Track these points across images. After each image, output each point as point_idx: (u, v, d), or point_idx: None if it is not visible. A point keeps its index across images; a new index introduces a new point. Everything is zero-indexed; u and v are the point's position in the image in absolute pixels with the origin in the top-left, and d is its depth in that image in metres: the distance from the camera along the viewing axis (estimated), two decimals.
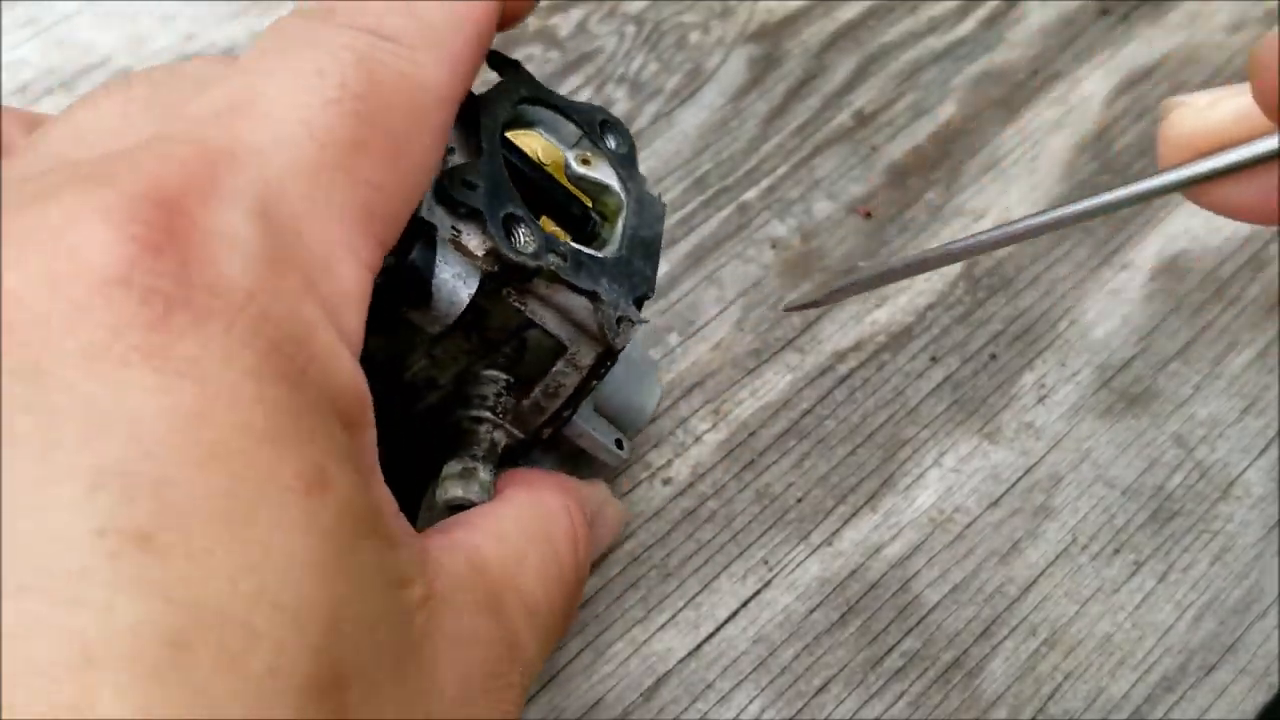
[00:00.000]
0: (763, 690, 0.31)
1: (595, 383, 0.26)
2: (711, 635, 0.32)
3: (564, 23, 0.43)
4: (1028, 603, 0.33)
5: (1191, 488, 0.35)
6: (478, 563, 0.21)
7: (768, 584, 0.33)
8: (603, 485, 0.30)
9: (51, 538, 0.14)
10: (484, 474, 0.25)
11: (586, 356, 0.26)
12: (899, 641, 0.32)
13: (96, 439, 0.14)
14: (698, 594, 0.33)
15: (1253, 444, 0.36)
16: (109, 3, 0.43)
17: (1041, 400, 0.37)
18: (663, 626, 0.32)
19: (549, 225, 0.27)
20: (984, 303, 0.38)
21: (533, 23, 0.44)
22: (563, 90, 0.42)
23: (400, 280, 0.22)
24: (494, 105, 0.25)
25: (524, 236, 0.24)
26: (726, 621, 0.32)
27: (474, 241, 0.23)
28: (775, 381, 0.36)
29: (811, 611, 0.32)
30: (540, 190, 0.26)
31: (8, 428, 0.14)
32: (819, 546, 0.34)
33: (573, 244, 0.25)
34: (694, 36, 0.44)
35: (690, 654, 0.32)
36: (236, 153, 0.17)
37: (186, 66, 0.22)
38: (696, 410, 0.35)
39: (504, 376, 0.26)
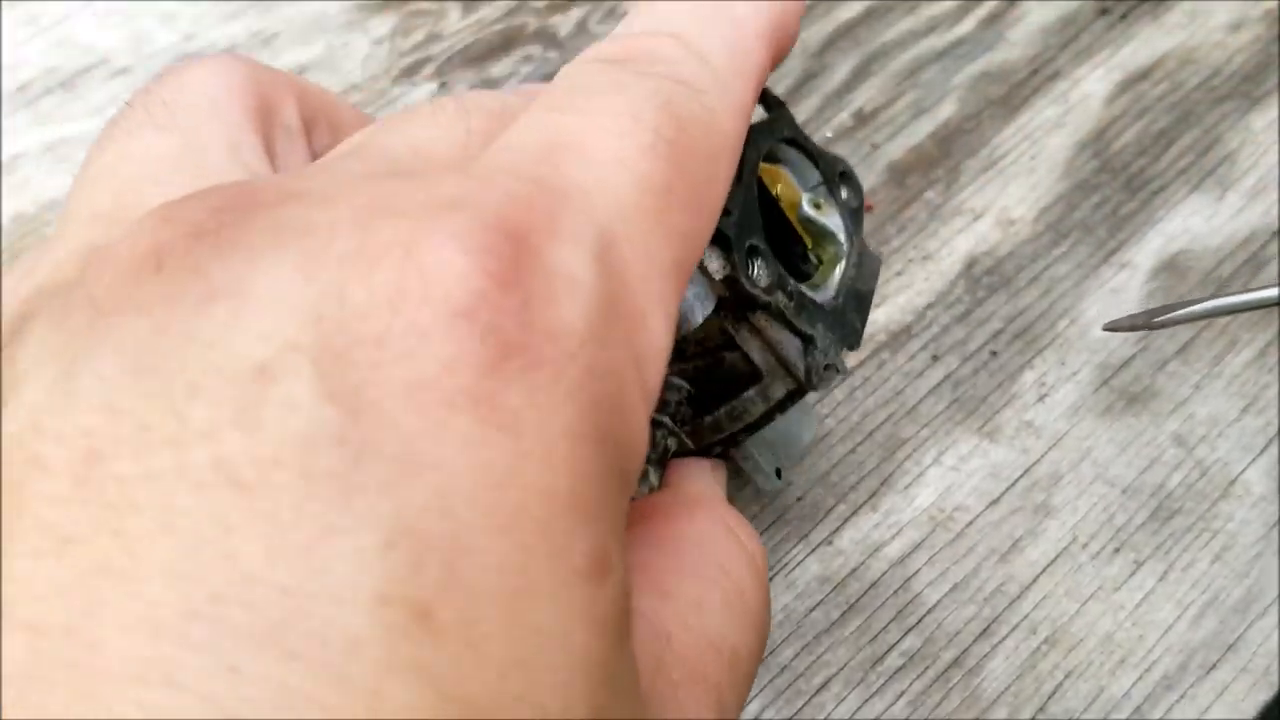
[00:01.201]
0: (762, 689, 0.31)
1: (778, 415, 0.27)
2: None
3: (564, 23, 0.44)
4: (1028, 601, 0.33)
5: (1192, 487, 0.35)
6: (663, 633, 0.19)
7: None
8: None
9: (332, 597, 0.12)
10: (653, 476, 0.25)
11: (778, 390, 0.26)
12: (899, 640, 0.32)
13: (402, 487, 0.13)
14: None
15: (1253, 443, 0.36)
16: (109, 3, 0.43)
17: (1041, 399, 0.37)
18: None
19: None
20: (984, 301, 0.38)
21: (532, 23, 0.44)
22: None
23: None
24: (757, 139, 0.26)
25: (759, 269, 0.24)
26: None
27: (715, 265, 0.23)
28: None
29: (811, 610, 0.32)
30: (770, 223, 0.26)
31: (314, 457, 0.13)
32: (818, 545, 0.34)
33: (802, 287, 0.26)
34: None
35: None
36: (571, 193, 0.16)
37: (491, 95, 0.21)
38: None
39: (687, 387, 0.27)
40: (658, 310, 0.17)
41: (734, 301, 0.24)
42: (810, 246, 0.28)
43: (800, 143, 0.28)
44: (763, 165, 0.27)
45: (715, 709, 0.19)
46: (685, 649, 0.19)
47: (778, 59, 0.22)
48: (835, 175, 0.29)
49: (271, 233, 0.14)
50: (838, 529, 0.34)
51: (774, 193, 0.27)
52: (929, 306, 0.38)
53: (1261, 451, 0.36)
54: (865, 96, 0.43)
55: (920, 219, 0.40)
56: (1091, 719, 0.31)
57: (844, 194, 0.29)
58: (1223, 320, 0.38)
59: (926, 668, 0.32)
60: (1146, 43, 0.45)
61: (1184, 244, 0.40)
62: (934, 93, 0.43)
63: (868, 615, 0.32)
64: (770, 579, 0.33)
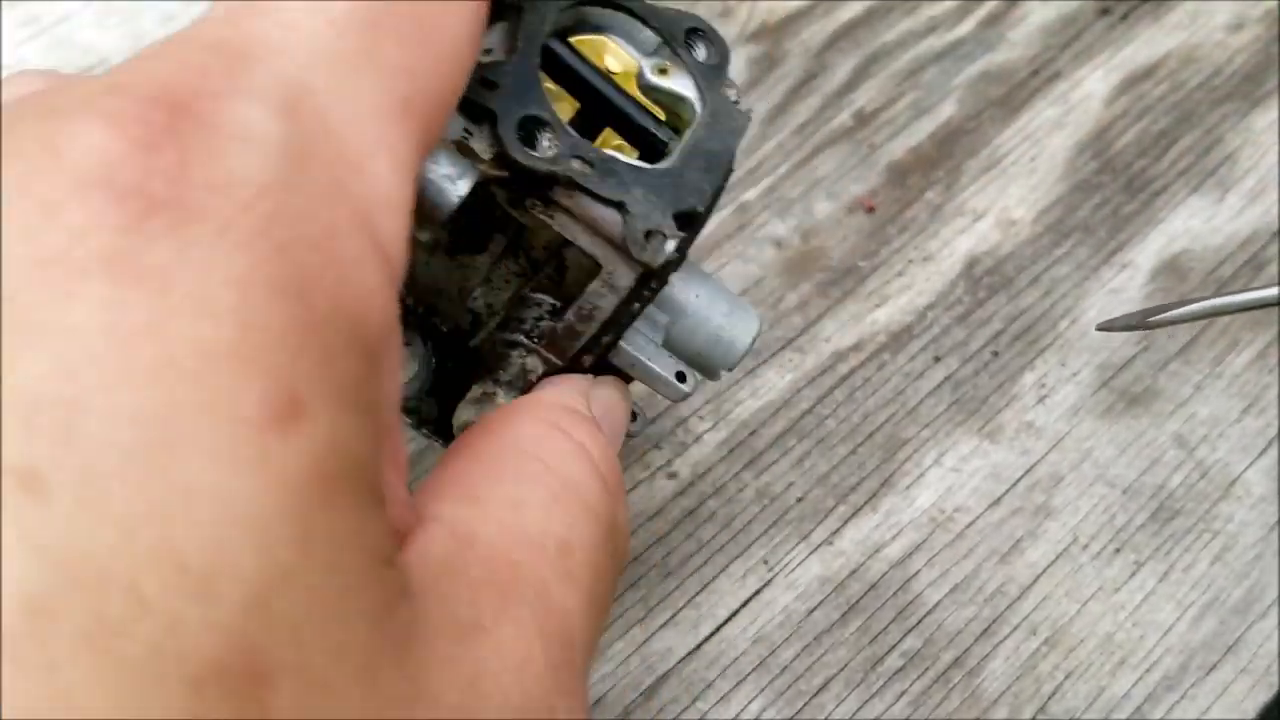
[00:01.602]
0: (763, 690, 0.31)
1: (638, 307, 0.24)
2: (712, 635, 0.32)
3: None
4: (1028, 602, 0.33)
5: (1192, 487, 0.35)
6: (465, 535, 0.18)
7: (768, 583, 0.33)
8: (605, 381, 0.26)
9: None
10: (502, 399, 0.24)
11: (624, 278, 0.23)
12: (899, 641, 0.32)
13: (21, 359, 0.12)
14: (698, 593, 0.32)
15: (1253, 444, 0.36)
16: (109, 3, 0.43)
17: (1042, 400, 0.37)
18: (663, 626, 0.32)
19: (612, 139, 0.25)
20: (984, 302, 0.38)
21: None
22: None
23: None
24: (543, 6, 0.24)
25: (546, 141, 0.22)
26: (727, 621, 0.32)
27: (481, 144, 0.22)
28: (775, 381, 0.36)
29: (812, 611, 0.32)
30: (601, 100, 0.25)
31: None
32: (819, 546, 0.34)
33: (609, 152, 0.23)
34: None
35: (690, 653, 0.32)
36: (252, 49, 0.15)
37: None
38: (697, 410, 0.35)
39: (550, 300, 0.25)
40: (381, 154, 0.16)
41: (518, 181, 0.22)
42: (663, 118, 0.26)
43: (623, 5, 0.25)
44: (587, 38, 0.25)
45: (532, 605, 0.18)
46: (490, 547, 0.18)
47: None
48: (682, 34, 0.26)
49: None
50: (838, 529, 0.34)
51: (603, 66, 0.25)
52: (929, 307, 0.38)
53: (1262, 452, 0.36)
54: (865, 97, 0.43)
55: (921, 219, 0.40)
56: (1092, 719, 0.31)
57: (701, 53, 0.26)
58: (1223, 321, 0.38)
59: (927, 668, 0.32)
60: (1147, 43, 0.45)
61: (1185, 244, 0.40)
62: (934, 93, 0.43)
63: (868, 616, 0.32)
64: (770, 579, 0.33)
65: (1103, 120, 0.43)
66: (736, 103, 0.26)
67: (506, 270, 0.25)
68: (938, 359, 0.37)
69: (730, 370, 0.28)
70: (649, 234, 0.23)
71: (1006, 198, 0.41)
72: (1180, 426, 0.36)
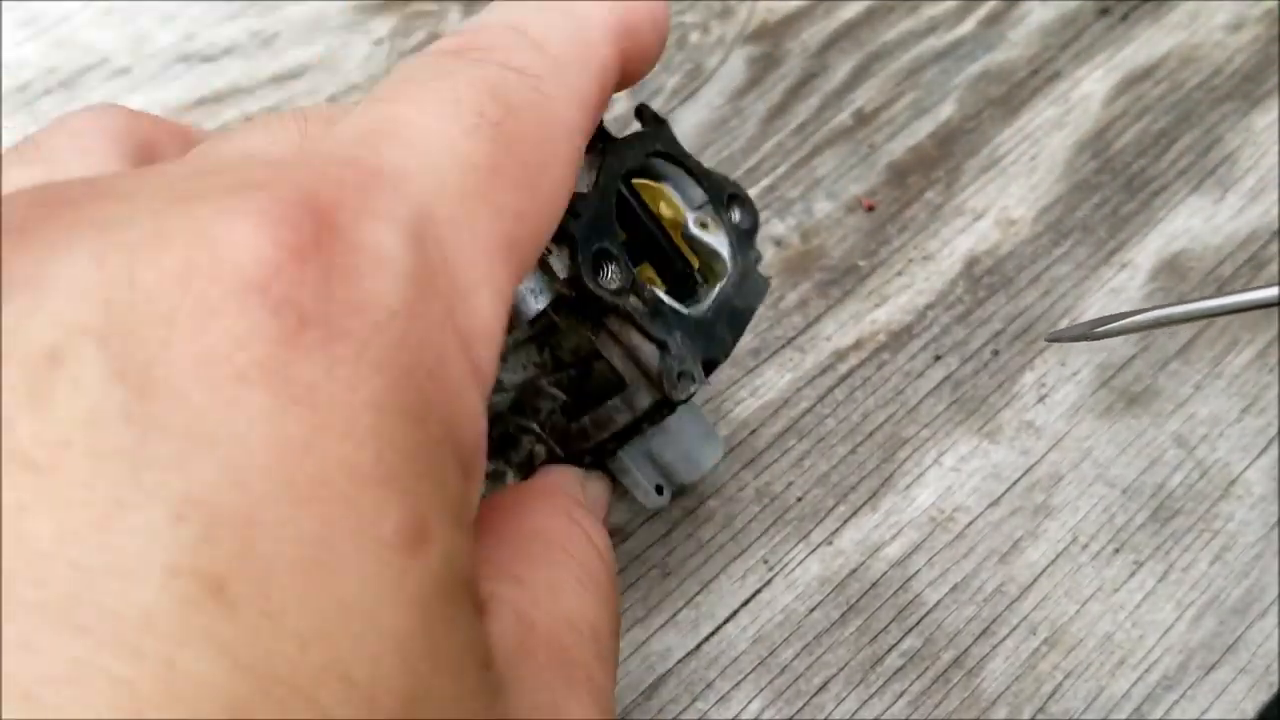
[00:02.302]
0: (762, 690, 0.31)
1: (647, 426, 0.27)
2: (711, 635, 0.32)
3: None
4: (1028, 602, 0.33)
5: (1192, 487, 0.35)
6: (526, 619, 0.19)
7: (767, 583, 0.33)
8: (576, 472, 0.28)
9: (122, 571, 0.12)
10: (511, 478, 0.26)
11: (643, 400, 0.26)
12: (899, 641, 0.32)
13: (192, 461, 0.13)
14: (697, 593, 0.32)
15: (1253, 443, 0.36)
16: (109, 3, 0.43)
17: (1042, 399, 0.37)
18: (662, 626, 0.32)
19: (648, 272, 0.28)
20: (984, 301, 0.38)
21: None
22: None
23: None
24: (623, 150, 0.26)
25: (611, 273, 0.24)
26: (726, 621, 0.32)
27: (559, 264, 0.24)
28: (775, 380, 0.36)
29: (811, 611, 0.32)
30: (650, 239, 0.27)
31: (102, 436, 0.13)
32: (819, 546, 0.34)
33: (659, 294, 0.26)
34: (694, 36, 0.44)
35: (690, 653, 0.32)
36: (387, 172, 0.16)
37: (338, 105, 0.21)
38: None
39: (562, 396, 0.27)
40: (484, 288, 0.17)
41: (582, 302, 0.25)
42: (697, 266, 0.28)
43: (683, 161, 0.28)
44: (648, 183, 0.28)
45: (586, 685, 0.19)
46: (547, 631, 0.19)
47: (633, 61, 0.22)
48: (725, 196, 0.29)
49: (71, 226, 0.14)
50: (838, 529, 0.34)
51: (656, 210, 0.28)
52: (929, 306, 0.38)
53: (1262, 452, 0.36)
54: (865, 96, 0.43)
55: (920, 219, 0.40)
56: (1091, 719, 0.31)
57: (735, 216, 0.29)
58: (1223, 320, 0.38)
59: (926, 668, 0.32)
60: (1147, 43, 0.45)
61: (1184, 244, 0.40)
62: (934, 93, 0.43)
63: (868, 615, 0.32)
64: (770, 579, 0.33)
65: (1102, 120, 0.43)
66: (758, 265, 0.29)
67: (526, 357, 0.27)
68: (938, 358, 0.37)
69: (686, 484, 0.31)
70: (681, 374, 0.26)
71: (1006, 197, 0.41)
72: (1180, 426, 0.36)
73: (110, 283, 0.14)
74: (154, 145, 0.22)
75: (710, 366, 0.27)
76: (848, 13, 0.45)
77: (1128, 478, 0.35)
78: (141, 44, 0.42)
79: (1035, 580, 0.33)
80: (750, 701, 0.31)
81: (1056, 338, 0.30)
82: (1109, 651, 0.32)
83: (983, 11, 0.45)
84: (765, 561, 0.33)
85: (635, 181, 0.28)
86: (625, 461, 0.29)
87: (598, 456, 0.28)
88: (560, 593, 0.21)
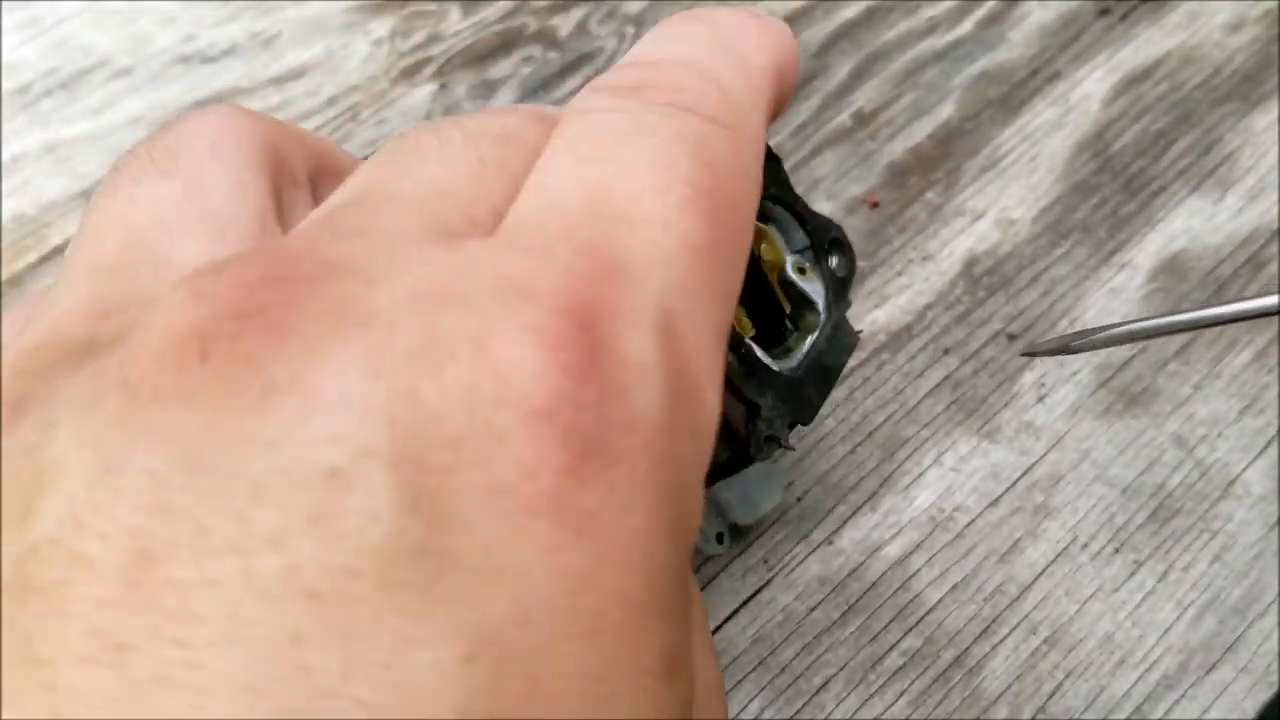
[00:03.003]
0: (762, 689, 0.31)
1: (719, 479, 0.26)
2: (711, 634, 0.32)
3: (564, 23, 0.44)
4: (1028, 601, 0.33)
5: (1191, 487, 0.35)
6: None
7: (767, 583, 0.33)
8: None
9: (412, 711, 0.12)
10: None
11: (721, 453, 0.25)
12: (899, 640, 0.32)
13: (481, 597, 0.12)
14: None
15: (1252, 443, 0.36)
16: (109, 3, 0.43)
17: (1041, 400, 0.37)
18: None
19: (739, 315, 0.26)
20: (984, 302, 0.38)
21: (532, 24, 0.44)
22: (562, 91, 0.42)
23: None
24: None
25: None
26: (726, 620, 0.32)
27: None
28: None
29: (811, 610, 0.32)
30: (750, 281, 0.26)
31: (394, 569, 0.12)
32: (819, 545, 0.34)
33: (755, 348, 0.25)
34: None
35: None
36: (629, 266, 0.15)
37: (488, 117, 0.19)
38: None
39: None
40: (711, 383, 0.16)
41: None
42: (788, 311, 0.27)
43: (790, 204, 0.27)
44: (755, 224, 0.27)
45: None
46: None
47: (780, 102, 0.21)
48: (825, 241, 0.28)
49: (327, 320, 0.13)
50: (838, 529, 0.34)
51: (757, 251, 0.27)
52: (929, 307, 0.38)
53: (1261, 452, 0.36)
54: (865, 97, 0.43)
55: (920, 219, 0.40)
56: (1091, 719, 0.31)
57: (833, 262, 0.28)
58: None
59: (927, 668, 0.32)
60: (1146, 43, 0.45)
61: (1184, 244, 0.40)
62: (934, 93, 0.43)
63: (868, 615, 0.32)
64: (770, 579, 0.33)
65: (1102, 120, 0.43)
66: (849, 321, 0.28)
67: None
68: (937, 359, 0.37)
69: (741, 526, 0.30)
70: (768, 439, 0.24)
71: (1006, 198, 0.41)
72: (1179, 426, 0.36)
73: (391, 400, 0.13)
74: (279, 151, 0.21)
75: (791, 428, 0.26)
76: (847, 13, 0.45)
77: (1127, 478, 0.35)
78: (141, 45, 0.42)
79: (1035, 580, 0.33)
80: (750, 701, 0.31)
81: (1032, 352, 0.29)
82: (1109, 651, 0.32)
83: (982, 12, 0.45)
84: (765, 561, 0.33)
85: None
86: None
87: None
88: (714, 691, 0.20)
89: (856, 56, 0.44)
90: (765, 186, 0.25)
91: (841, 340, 0.27)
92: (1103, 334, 0.28)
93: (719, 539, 0.28)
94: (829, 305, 0.27)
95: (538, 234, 0.15)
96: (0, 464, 0.14)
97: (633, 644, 0.13)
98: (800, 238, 0.27)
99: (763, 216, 0.27)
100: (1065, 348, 0.28)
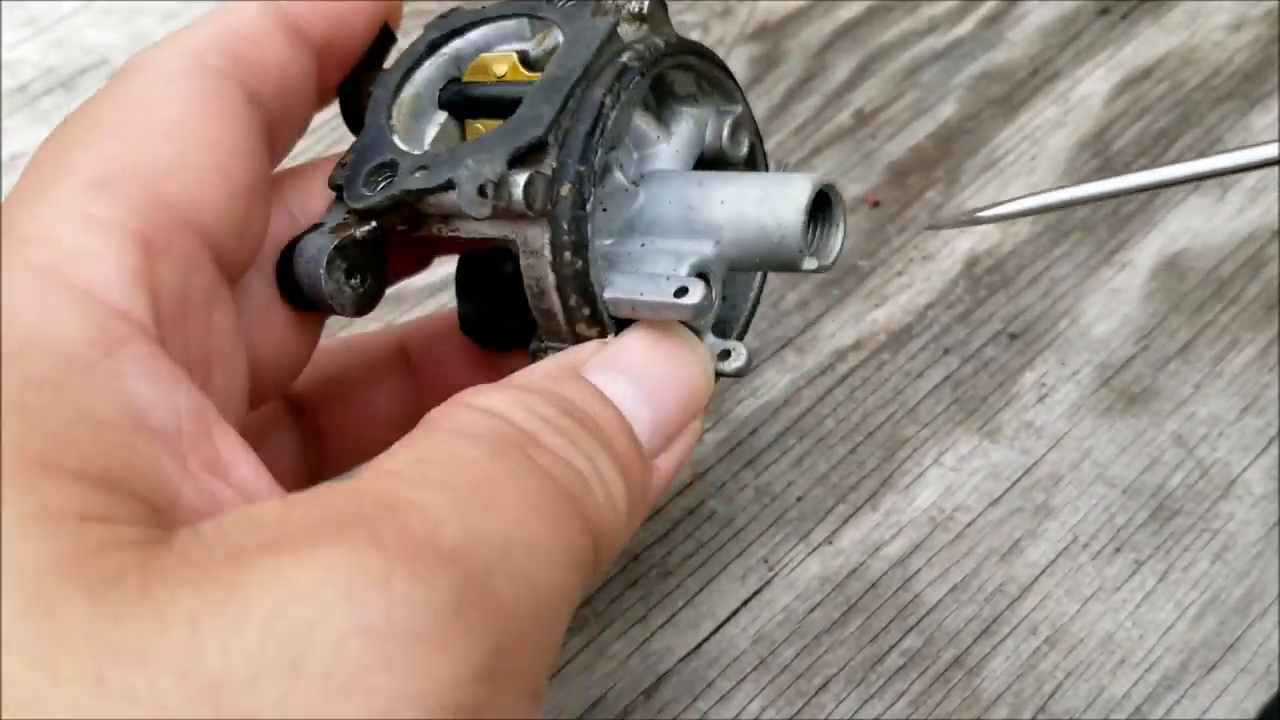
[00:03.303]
0: (763, 689, 0.31)
1: (581, 263, 0.22)
2: (712, 634, 0.32)
3: None
4: (1028, 602, 0.33)
5: (1192, 487, 0.35)
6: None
7: (768, 583, 0.33)
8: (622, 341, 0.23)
9: None
10: None
11: (538, 239, 0.22)
12: (899, 640, 0.32)
13: None
14: (698, 593, 0.32)
15: (1253, 443, 0.36)
16: (109, 2, 0.43)
17: (1042, 399, 0.37)
18: (663, 625, 0.32)
19: (476, 125, 0.25)
20: (984, 301, 0.38)
21: None
22: None
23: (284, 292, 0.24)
24: (389, 74, 0.26)
25: (384, 180, 0.23)
26: (727, 620, 0.32)
27: (339, 215, 0.24)
28: (775, 380, 0.36)
29: (812, 610, 0.32)
30: (493, 101, 0.25)
31: None
32: (819, 545, 0.34)
33: (450, 146, 0.24)
34: (694, 36, 0.44)
35: (690, 653, 0.32)
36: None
37: None
38: None
39: (559, 345, 0.25)
40: None
41: (380, 222, 0.24)
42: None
43: (475, 21, 0.26)
44: (487, 57, 0.26)
45: None
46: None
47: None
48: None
49: None
50: (838, 529, 0.34)
51: (491, 76, 0.25)
52: (930, 306, 0.38)
53: (1262, 451, 0.36)
54: (865, 96, 0.43)
55: (921, 219, 0.40)
56: (1092, 719, 0.31)
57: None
58: (1223, 320, 0.38)
59: (927, 668, 0.32)
60: (1147, 42, 0.45)
61: (1184, 243, 0.40)
62: (934, 93, 0.43)
63: (868, 615, 0.32)
64: (770, 579, 0.33)
65: (1102, 120, 0.43)
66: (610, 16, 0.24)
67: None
68: (937, 358, 0.37)
69: (806, 250, 0.23)
70: (482, 188, 0.22)
71: (1006, 197, 0.40)
72: (1180, 426, 0.36)
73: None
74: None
75: (531, 150, 0.22)
76: (847, 13, 0.45)
77: (1128, 478, 0.35)
78: (141, 43, 0.42)
79: (1036, 580, 0.33)
80: (751, 701, 0.31)
81: (936, 225, 0.29)
82: (1109, 651, 0.32)
83: (982, 11, 0.45)
84: (765, 561, 0.33)
85: (466, 75, 0.26)
86: (620, 297, 0.23)
87: (599, 326, 0.23)
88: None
89: (857, 56, 0.44)
90: (413, 50, 0.27)
91: (582, 40, 0.24)
92: (1015, 203, 0.27)
93: (679, 292, 0.22)
94: (563, 30, 0.24)
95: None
96: None
97: None
98: (521, 25, 0.26)
99: (477, 49, 0.26)
100: (972, 218, 0.27)
